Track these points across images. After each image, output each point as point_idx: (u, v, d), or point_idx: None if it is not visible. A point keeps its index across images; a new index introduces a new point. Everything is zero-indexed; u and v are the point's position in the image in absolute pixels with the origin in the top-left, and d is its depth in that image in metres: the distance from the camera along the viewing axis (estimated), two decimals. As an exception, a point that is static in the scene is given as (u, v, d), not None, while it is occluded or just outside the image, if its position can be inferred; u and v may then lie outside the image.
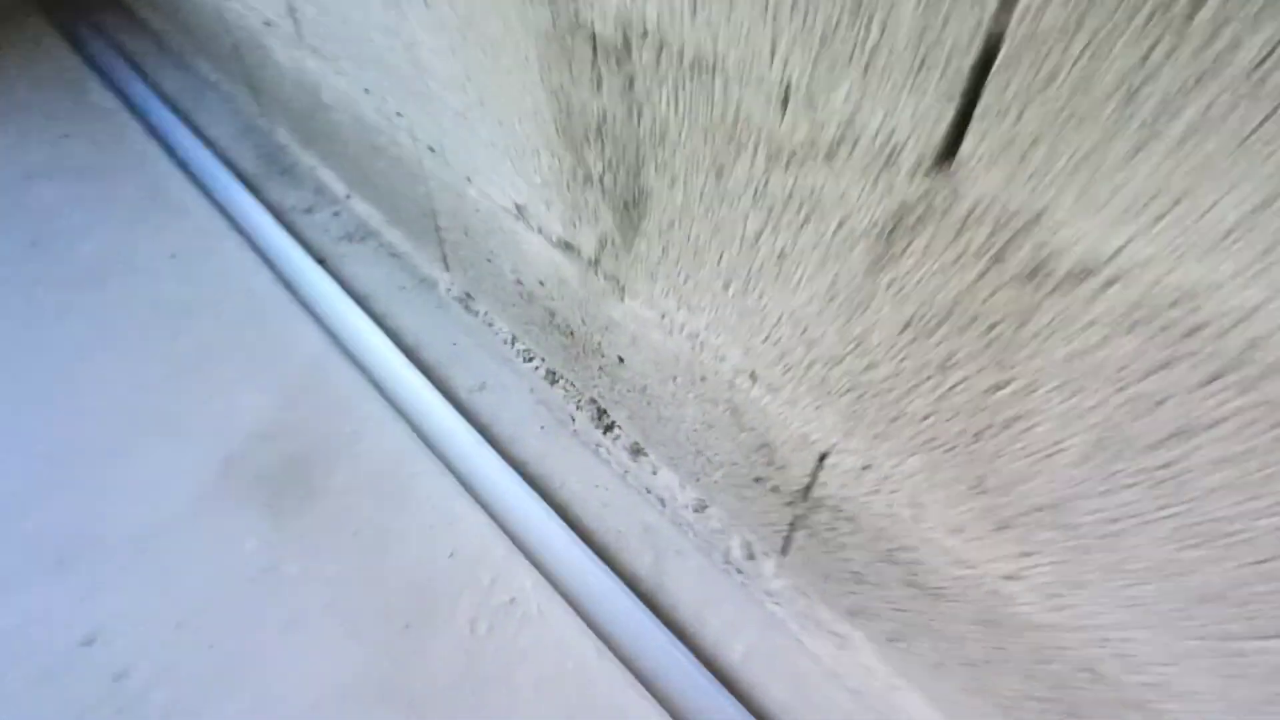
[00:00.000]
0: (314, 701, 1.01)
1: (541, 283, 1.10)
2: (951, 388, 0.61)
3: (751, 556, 1.07)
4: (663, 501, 1.17)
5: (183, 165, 1.82)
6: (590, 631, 1.08)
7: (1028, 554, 0.65)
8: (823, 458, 0.80)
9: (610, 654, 1.05)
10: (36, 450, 1.26)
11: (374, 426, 1.32)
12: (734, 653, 1.07)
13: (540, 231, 1.01)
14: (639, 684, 1.03)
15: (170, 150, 1.86)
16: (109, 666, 1.04)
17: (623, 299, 0.94)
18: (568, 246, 0.97)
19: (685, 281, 0.82)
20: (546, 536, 1.15)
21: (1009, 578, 0.69)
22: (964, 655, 0.81)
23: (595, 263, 0.94)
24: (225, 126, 1.94)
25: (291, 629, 1.08)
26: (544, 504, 1.18)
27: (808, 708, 1.02)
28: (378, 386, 1.37)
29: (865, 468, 0.76)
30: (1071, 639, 0.67)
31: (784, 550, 1.00)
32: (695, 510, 1.11)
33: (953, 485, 0.68)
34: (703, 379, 0.90)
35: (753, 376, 0.82)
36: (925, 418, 0.66)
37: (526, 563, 1.15)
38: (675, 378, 0.95)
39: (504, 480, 1.21)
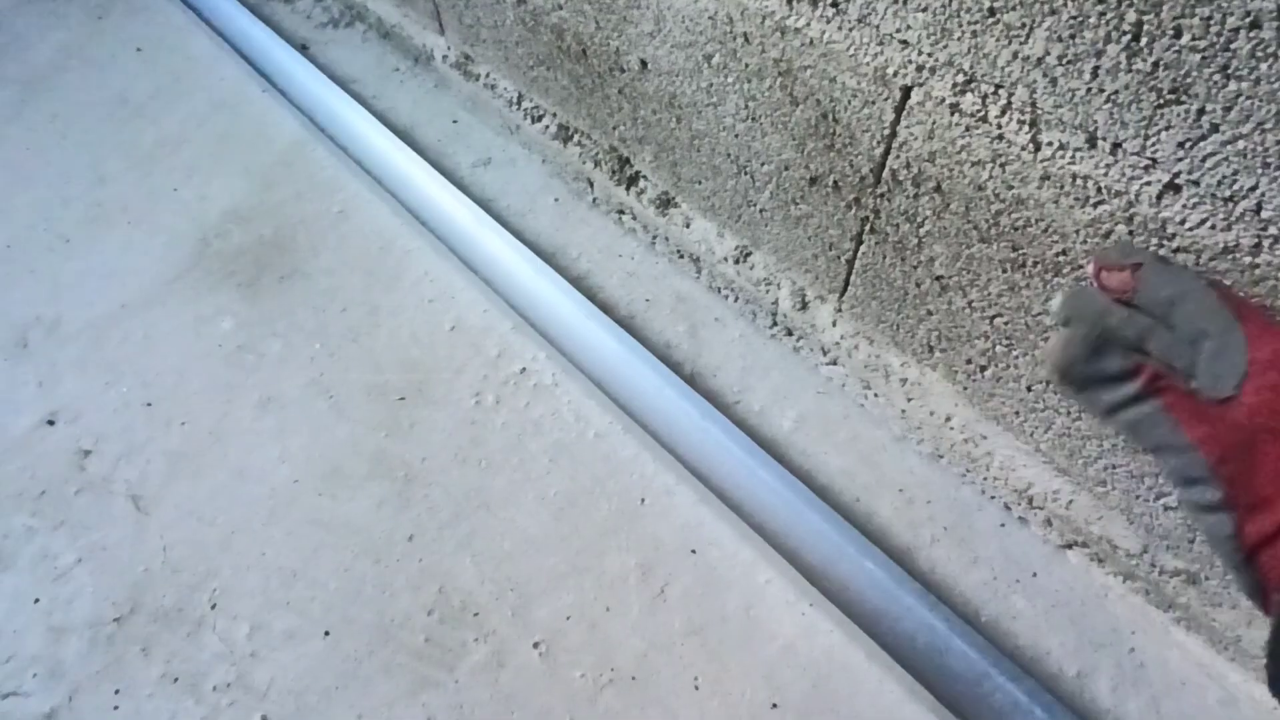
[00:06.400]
0: (295, 477, 0.88)
1: (543, -15, 0.90)
2: None
3: (804, 305, 0.89)
4: (698, 262, 0.99)
5: (148, -35, 1.62)
6: (613, 404, 0.92)
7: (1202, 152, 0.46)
8: (906, 96, 0.61)
9: (635, 424, 0.90)
10: (-10, 242, 1.12)
11: (362, 206, 1.15)
12: (784, 421, 0.91)
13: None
14: (669, 454, 0.88)
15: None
16: (74, 444, 0.92)
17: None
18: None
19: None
20: (560, 308, 0.98)
21: (1171, 188, 0.50)
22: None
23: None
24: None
25: (271, 407, 0.94)
26: (556, 275, 1.01)
27: (872, 474, 0.86)
28: (365, 168, 1.19)
29: (965, 84, 0.56)
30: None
31: (845, 284, 0.82)
32: (737, 261, 0.93)
33: (1089, 57, 0.48)
34: (745, 39, 0.70)
35: (813, -4, 0.62)
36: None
37: (538, 336, 0.99)
38: (710, 57, 0.75)
39: (510, 254, 1.03)
